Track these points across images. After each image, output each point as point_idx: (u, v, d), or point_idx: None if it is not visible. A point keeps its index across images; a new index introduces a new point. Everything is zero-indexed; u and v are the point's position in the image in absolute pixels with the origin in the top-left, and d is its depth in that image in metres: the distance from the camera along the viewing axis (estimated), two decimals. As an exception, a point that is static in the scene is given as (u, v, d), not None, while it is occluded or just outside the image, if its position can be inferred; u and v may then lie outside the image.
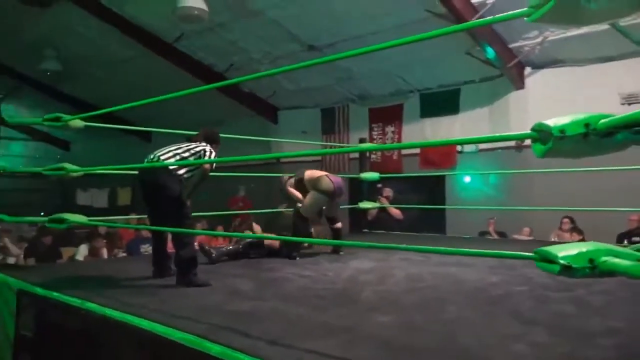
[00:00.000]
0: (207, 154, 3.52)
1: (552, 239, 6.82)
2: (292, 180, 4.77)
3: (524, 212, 7.28)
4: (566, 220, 7.06)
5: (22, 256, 6.87)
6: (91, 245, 6.57)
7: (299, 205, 4.61)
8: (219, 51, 9.64)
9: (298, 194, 4.69)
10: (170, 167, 3.37)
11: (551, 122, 1.56)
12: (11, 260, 6.66)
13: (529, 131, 1.64)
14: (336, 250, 4.75)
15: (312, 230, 4.81)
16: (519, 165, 7.55)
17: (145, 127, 5.67)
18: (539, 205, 7.06)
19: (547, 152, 1.58)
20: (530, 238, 7.17)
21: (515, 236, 7.34)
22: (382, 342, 2.01)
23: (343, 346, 1.94)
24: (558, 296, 2.89)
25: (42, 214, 3.85)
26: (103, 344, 2.59)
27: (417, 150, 9.45)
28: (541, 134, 1.58)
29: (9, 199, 12.94)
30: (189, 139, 3.70)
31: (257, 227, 8.97)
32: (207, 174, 3.50)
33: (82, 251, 6.49)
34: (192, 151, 3.51)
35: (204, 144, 3.60)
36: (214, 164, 3.58)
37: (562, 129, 1.52)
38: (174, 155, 3.45)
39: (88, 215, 4.31)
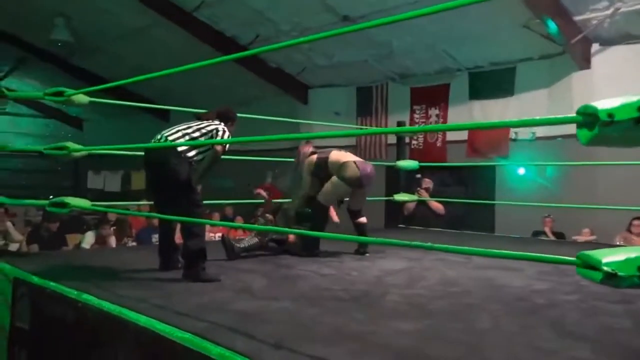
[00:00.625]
0: (220, 133, 3.53)
1: (618, 243, 6.64)
2: (313, 159, 4.61)
3: (586, 211, 7.09)
4: (637, 222, 6.85)
5: (25, 242, 7.10)
6: (99, 232, 6.74)
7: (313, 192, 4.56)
8: (244, 21, 9.68)
9: (308, 183, 4.59)
10: (179, 149, 3.41)
11: (599, 104, 1.51)
12: (14, 247, 6.89)
13: (574, 115, 1.59)
14: (361, 250, 4.60)
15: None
16: (582, 156, 7.33)
17: (163, 105, 5.75)
18: (604, 204, 6.86)
19: (592, 139, 1.54)
20: (591, 239, 7.00)
21: (576, 238, 7.17)
22: (395, 351, 2.00)
23: (351, 354, 1.94)
24: (612, 308, 2.81)
25: (50, 197, 3.96)
26: (99, 339, 2.66)
27: (464, 137, 9.32)
28: (586, 118, 1.53)
29: (15, 180, 13.40)
30: (199, 117, 3.72)
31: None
32: (218, 156, 3.50)
33: (89, 239, 6.66)
34: (204, 130, 3.53)
35: (216, 122, 3.62)
36: (227, 146, 3.60)
37: (610, 113, 1.48)
38: (183, 136, 3.49)
39: (99, 200, 4.43)
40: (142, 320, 2.40)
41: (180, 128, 3.54)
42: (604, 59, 7.86)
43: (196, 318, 2.41)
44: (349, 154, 4.67)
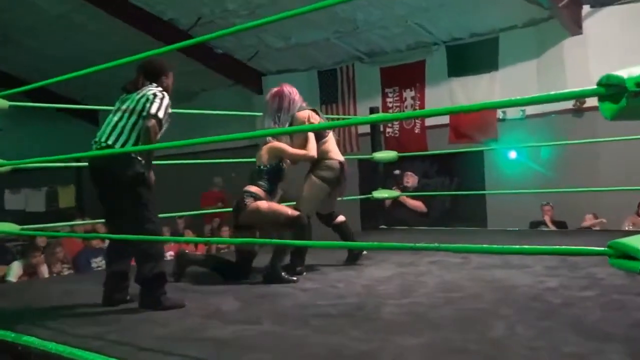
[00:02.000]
0: (158, 100, 3.31)
1: (627, 228, 6.82)
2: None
3: (588, 195, 7.25)
4: (647, 204, 7.05)
5: None
6: (27, 261, 6.58)
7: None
8: (182, 2, 9.58)
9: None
10: (116, 147, 3.30)
11: (624, 73, 1.54)
12: None
13: (592, 87, 1.62)
14: (354, 256, 4.51)
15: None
16: (580, 134, 7.51)
17: (91, 105, 5.67)
18: (607, 186, 7.03)
19: (619, 113, 1.56)
20: (597, 223, 7.15)
21: (585, 224, 7.30)
22: (410, 371, 2.00)
23: (359, 379, 1.93)
24: (638, 302, 2.88)
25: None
26: (47, 388, 2.59)
27: (446, 120, 9.43)
28: (611, 89, 1.56)
29: None
30: (127, 89, 3.48)
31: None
32: (155, 128, 3.25)
33: (15, 270, 6.51)
34: (139, 108, 3.32)
35: (147, 87, 3.41)
36: (167, 112, 3.34)
37: (639, 82, 1.50)
38: (122, 130, 3.34)
39: (21, 223, 4.32)
40: (101, 360, 2.34)
41: (114, 120, 3.39)
42: (597, 22, 8.06)
43: (164, 352, 2.37)
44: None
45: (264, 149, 4.21)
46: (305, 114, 4.35)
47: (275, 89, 4.42)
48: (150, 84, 3.44)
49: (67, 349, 2.52)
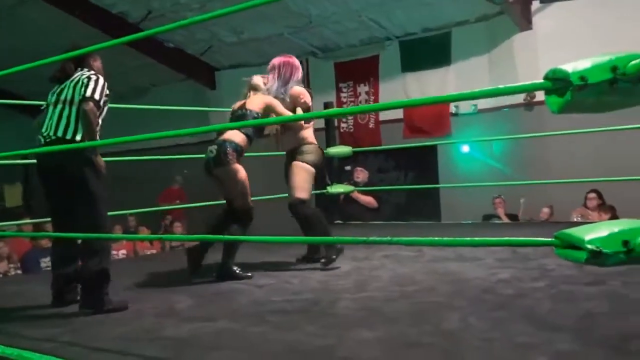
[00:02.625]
0: (92, 82, 3.25)
1: (575, 219, 6.99)
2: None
3: (540, 189, 7.42)
4: (592, 195, 7.23)
5: None
6: (-29, 263, 6.41)
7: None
8: (132, -6, 9.43)
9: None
10: (67, 138, 3.25)
11: (569, 67, 1.57)
12: None
13: (540, 81, 1.66)
14: (330, 255, 4.19)
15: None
16: (531, 127, 7.67)
17: (37, 101, 5.53)
18: (558, 178, 7.19)
19: (565, 106, 1.60)
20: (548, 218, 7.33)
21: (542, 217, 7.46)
22: (366, 364, 2.03)
23: (316, 373, 1.94)
24: (586, 291, 2.97)
25: None
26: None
27: (400, 115, 9.51)
28: (557, 82, 1.60)
29: None
30: (56, 79, 3.42)
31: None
32: (93, 110, 3.20)
33: (-40, 272, 6.32)
34: (76, 96, 3.26)
35: (80, 72, 3.37)
36: (104, 93, 3.29)
37: (583, 76, 1.54)
38: (68, 120, 3.26)
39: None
40: (53, 363, 2.30)
41: (57, 112, 3.33)
42: (546, 18, 8.23)
43: (120, 353, 2.35)
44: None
45: (258, 97, 4.14)
46: (301, 89, 4.36)
47: (289, 57, 4.39)
48: (82, 69, 3.40)
49: (16, 351, 2.46)
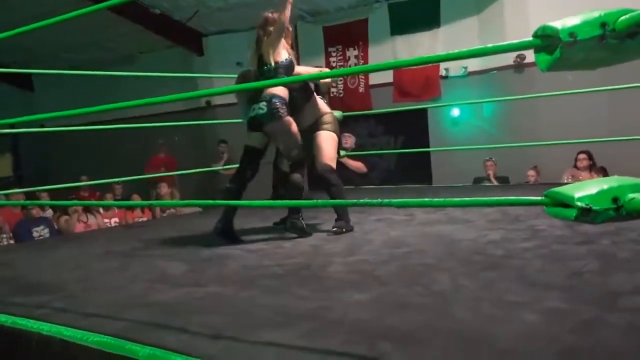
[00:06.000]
0: None
1: (566, 180, 7.02)
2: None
3: (529, 150, 7.43)
4: (583, 155, 7.27)
5: None
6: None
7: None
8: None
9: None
10: None
11: (558, 24, 1.55)
12: None
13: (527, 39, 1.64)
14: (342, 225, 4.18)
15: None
16: (521, 89, 7.65)
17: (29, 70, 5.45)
18: (547, 140, 7.21)
19: (554, 64, 1.58)
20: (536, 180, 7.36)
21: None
22: (356, 326, 2.04)
23: (307, 336, 1.95)
24: (575, 251, 2.99)
25: None
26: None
27: (390, 79, 9.47)
28: (546, 40, 1.58)
29: None
30: None
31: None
32: None
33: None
34: None
35: None
36: None
37: (572, 32, 1.52)
38: None
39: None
40: (45, 328, 2.30)
41: None
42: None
43: (111, 317, 2.34)
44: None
45: (281, 44, 4.11)
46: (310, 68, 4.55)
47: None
48: None
49: (10, 318, 2.47)
